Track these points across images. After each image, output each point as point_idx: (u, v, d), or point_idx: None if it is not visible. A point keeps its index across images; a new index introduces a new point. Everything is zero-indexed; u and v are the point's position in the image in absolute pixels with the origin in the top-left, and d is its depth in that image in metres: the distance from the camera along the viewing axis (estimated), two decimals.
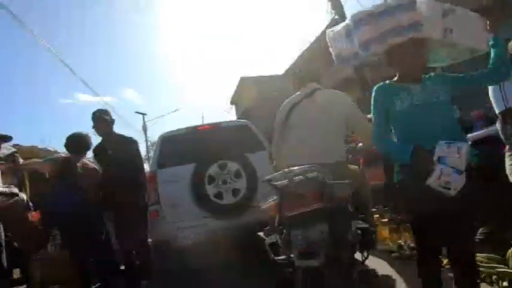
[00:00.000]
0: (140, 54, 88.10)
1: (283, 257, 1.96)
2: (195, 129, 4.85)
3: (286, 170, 2.06)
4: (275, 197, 2.08)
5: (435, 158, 1.71)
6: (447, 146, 1.71)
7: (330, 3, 8.63)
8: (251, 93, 22.16)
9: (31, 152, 6.47)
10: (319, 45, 13.33)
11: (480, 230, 2.95)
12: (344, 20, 2.20)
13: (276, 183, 2.00)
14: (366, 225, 2.12)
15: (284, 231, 1.98)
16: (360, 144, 3.88)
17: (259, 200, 4.34)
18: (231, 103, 26.24)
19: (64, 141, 3.78)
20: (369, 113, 2.14)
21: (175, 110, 33.37)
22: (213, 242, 4.40)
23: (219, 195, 4.25)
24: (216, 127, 4.88)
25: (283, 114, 2.72)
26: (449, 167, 1.66)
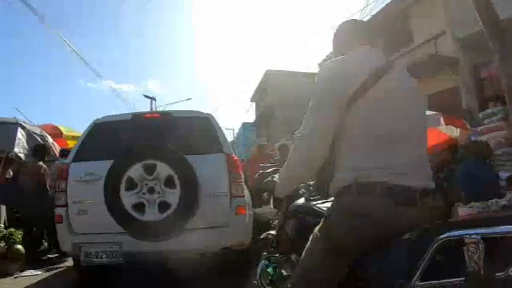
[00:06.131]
0: (172, 48, 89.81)
1: None
2: (138, 116, 3.77)
3: None
4: None
5: None
6: None
7: None
8: (277, 89, 20.62)
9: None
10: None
11: None
12: None
13: None
14: None
15: None
16: None
17: (198, 221, 3.21)
18: (252, 100, 24.87)
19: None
20: None
21: (188, 99, 31.90)
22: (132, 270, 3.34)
23: (139, 207, 3.12)
24: (165, 116, 3.78)
25: (347, 84, 1.29)
26: None
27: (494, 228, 1.00)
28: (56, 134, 8.26)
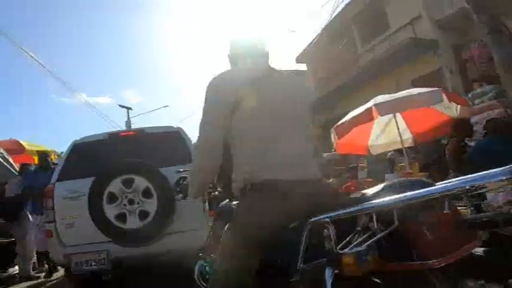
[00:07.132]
0: (146, 57, 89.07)
1: None
2: (114, 135, 4.15)
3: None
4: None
5: None
6: None
7: None
8: None
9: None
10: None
11: None
12: None
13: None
14: None
15: None
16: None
17: (176, 226, 3.62)
18: None
19: None
20: None
21: (165, 106, 32.79)
22: (119, 274, 3.71)
23: (121, 218, 3.51)
24: (139, 133, 4.15)
25: (228, 94, 1.47)
26: None
27: (340, 211, 1.17)
28: (17, 149, 7.32)
